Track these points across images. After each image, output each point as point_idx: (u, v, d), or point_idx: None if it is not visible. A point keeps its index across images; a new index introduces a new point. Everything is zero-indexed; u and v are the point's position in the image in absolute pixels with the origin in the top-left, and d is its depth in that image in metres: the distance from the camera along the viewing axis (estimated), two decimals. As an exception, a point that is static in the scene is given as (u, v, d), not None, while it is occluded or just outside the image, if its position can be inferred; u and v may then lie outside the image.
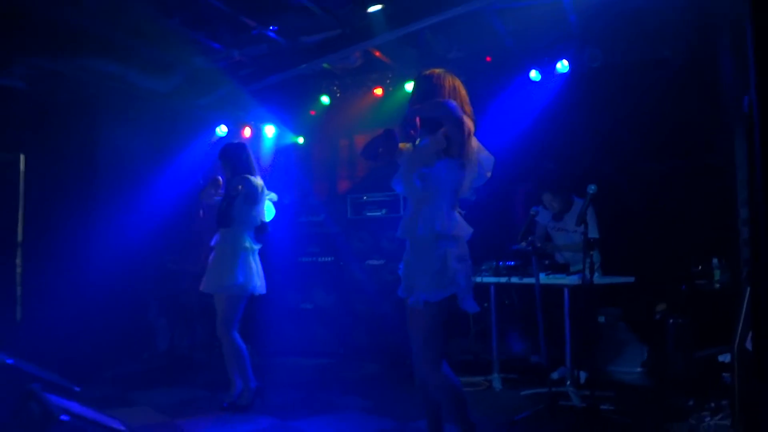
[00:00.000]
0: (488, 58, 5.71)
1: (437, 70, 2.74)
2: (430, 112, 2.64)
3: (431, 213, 2.60)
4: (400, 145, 2.76)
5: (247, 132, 7.04)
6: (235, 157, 4.17)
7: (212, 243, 4.13)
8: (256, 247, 4.11)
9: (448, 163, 2.59)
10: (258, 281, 4.07)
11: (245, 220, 4.06)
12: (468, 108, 2.69)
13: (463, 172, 2.62)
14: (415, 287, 2.62)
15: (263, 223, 4.14)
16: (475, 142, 2.65)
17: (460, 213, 2.69)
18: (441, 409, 2.77)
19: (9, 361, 3.10)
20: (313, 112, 6.79)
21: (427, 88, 2.70)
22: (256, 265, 4.08)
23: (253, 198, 4.03)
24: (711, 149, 4.73)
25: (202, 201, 4.30)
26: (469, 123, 2.60)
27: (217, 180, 4.21)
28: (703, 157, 4.81)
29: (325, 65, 6.00)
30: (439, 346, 2.61)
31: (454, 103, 2.59)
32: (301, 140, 7.06)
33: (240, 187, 4.02)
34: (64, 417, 2.52)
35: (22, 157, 5.69)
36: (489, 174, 2.67)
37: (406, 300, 2.72)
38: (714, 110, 4.67)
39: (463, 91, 2.72)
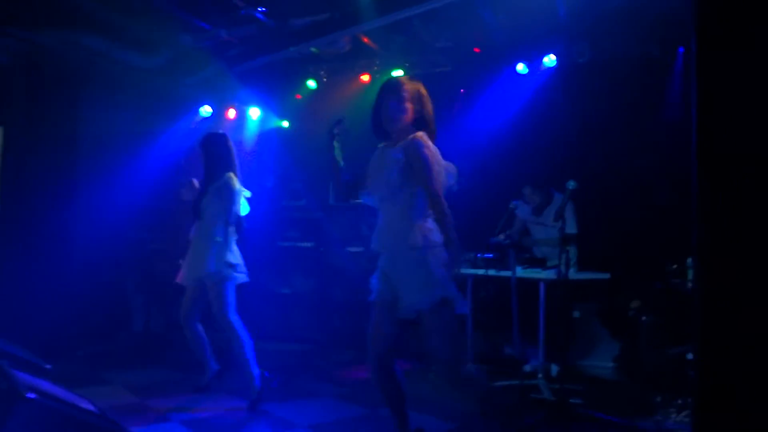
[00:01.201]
0: (476, 49, 5.69)
1: (402, 79, 2.76)
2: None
3: (403, 226, 2.62)
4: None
5: (231, 113, 6.98)
6: (216, 148, 4.10)
7: (190, 235, 4.12)
8: (231, 238, 4.04)
9: (410, 183, 2.62)
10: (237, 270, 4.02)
11: (216, 214, 3.98)
12: (430, 113, 2.73)
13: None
14: (402, 299, 2.64)
15: (239, 219, 4.09)
16: (437, 158, 2.65)
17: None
18: (404, 400, 2.81)
19: (-23, 337, 3.08)
20: (298, 96, 6.74)
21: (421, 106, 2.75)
22: (233, 254, 4.04)
23: (231, 198, 3.97)
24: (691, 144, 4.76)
25: (182, 200, 4.26)
26: (430, 147, 2.61)
27: (192, 183, 4.19)
28: (684, 156, 4.84)
29: (313, 49, 5.96)
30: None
31: (428, 154, 2.60)
32: (285, 124, 7.02)
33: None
34: (30, 395, 2.50)
35: (0, 130, 5.60)
36: (455, 185, 2.71)
37: (377, 303, 2.80)
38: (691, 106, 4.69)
39: (426, 98, 2.73)
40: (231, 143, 4.16)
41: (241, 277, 4.03)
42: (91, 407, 2.85)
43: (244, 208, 4.11)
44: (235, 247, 4.05)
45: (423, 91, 2.74)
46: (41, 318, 5.06)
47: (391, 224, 2.67)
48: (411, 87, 2.71)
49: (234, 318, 3.96)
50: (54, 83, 5.80)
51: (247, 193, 4.14)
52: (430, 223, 2.63)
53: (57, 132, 5.82)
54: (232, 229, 3.99)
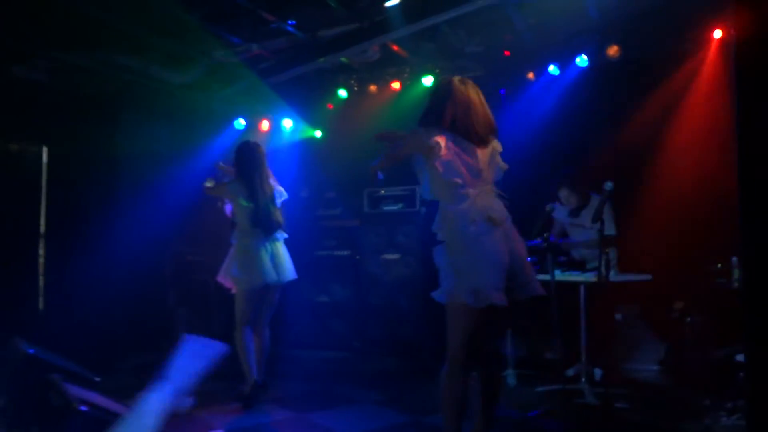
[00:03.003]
0: (506, 53, 5.67)
1: (442, 81, 2.82)
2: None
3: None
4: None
5: (264, 125, 7.08)
6: (242, 156, 4.30)
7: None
8: (258, 242, 4.21)
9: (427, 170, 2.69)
10: (261, 276, 4.13)
11: (239, 221, 4.23)
12: (474, 112, 2.70)
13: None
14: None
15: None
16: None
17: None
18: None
19: (30, 351, 3.18)
20: (330, 106, 6.80)
21: (428, 102, 2.81)
22: (266, 258, 4.18)
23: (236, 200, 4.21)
24: (733, 145, 4.64)
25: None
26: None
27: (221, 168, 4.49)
28: (724, 154, 4.73)
29: (342, 59, 6.01)
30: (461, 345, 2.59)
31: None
32: (318, 134, 7.08)
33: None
34: (82, 408, 2.58)
35: (44, 150, 5.79)
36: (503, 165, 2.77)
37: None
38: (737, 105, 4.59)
39: (463, 98, 2.70)
40: (257, 152, 4.33)
41: (270, 279, 4.19)
42: (139, 418, 2.92)
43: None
44: (269, 250, 4.24)
45: (460, 90, 2.78)
46: (88, 331, 5.20)
47: None
48: (449, 87, 2.78)
49: (245, 330, 4.16)
50: (92, 102, 5.97)
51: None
52: (446, 212, 2.67)
53: (97, 150, 5.97)
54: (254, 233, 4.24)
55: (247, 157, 4.27)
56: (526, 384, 4.54)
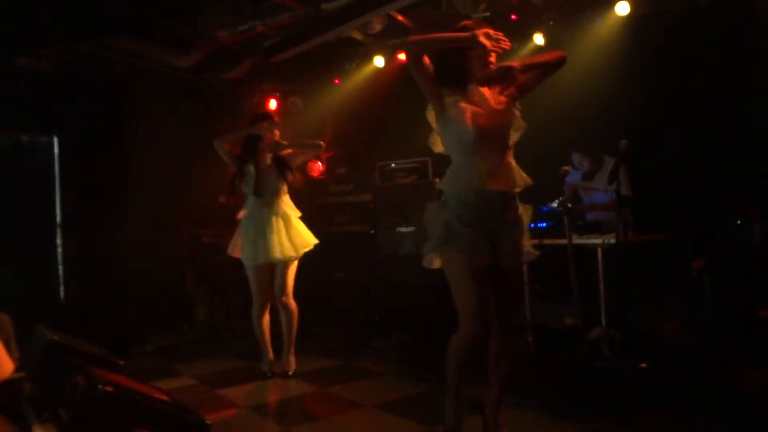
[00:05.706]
0: (514, 17, 5.56)
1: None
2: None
3: (510, 171, 2.53)
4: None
5: (272, 104, 7.03)
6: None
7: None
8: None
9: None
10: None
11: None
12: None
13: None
14: (508, 252, 2.55)
15: None
16: None
17: None
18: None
19: (54, 338, 3.22)
20: (337, 81, 6.74)
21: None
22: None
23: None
24: (752, 98, 4.55)
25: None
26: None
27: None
28: (743, 107, 4.64)
29: (347, 32, 5.93)
30: None
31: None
32: (326, 109, 7.02)
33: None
34: (109, 388, 2.61)
35: (55, 139, 5.80)
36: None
37: (483, 268, 2.48)
38: (754, 58, 4.49)
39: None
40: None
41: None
42: (164, 397, 2.96)
43: None
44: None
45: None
46: (109, 317, 5.26)
47: (507, 163, 2.52)
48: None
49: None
50: (99, 89, 5.95)
51: None
52: None
53: (107, 136, 5.97)
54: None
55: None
56: (545, 350, 4.53)
